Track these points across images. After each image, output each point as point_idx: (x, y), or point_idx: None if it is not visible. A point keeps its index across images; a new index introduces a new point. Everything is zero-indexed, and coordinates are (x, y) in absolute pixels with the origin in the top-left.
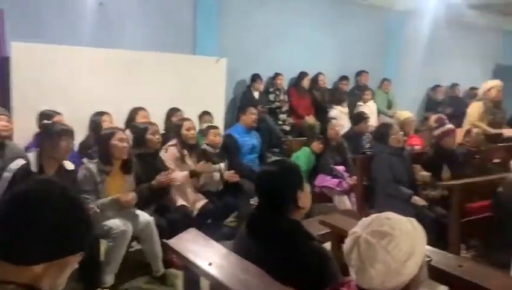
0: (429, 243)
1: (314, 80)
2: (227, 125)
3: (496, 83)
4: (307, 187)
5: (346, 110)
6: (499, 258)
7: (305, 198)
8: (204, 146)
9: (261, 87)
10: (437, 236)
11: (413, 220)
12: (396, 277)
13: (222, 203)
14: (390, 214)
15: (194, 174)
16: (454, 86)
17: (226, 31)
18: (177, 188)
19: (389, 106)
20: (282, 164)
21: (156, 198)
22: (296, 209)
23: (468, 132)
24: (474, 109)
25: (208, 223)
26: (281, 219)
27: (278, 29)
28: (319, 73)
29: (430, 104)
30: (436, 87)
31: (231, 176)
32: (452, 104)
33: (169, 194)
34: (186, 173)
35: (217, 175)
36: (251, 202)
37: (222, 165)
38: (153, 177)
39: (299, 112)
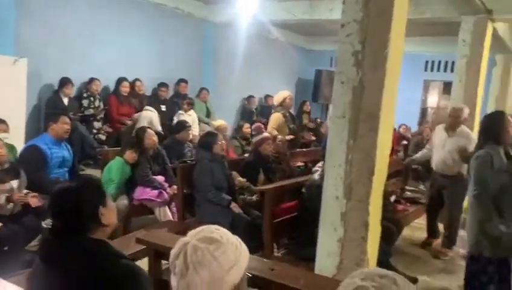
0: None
1: (132, 86)
2: (29, 135)
3: (287, 93)
4: (110, 202)
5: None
6: (306, 253)
7: (109, 214)
8: None
9: (71, 92)
10: (253, 237)
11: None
12: (220, 285)
13: (21, 226)
14: (218, 226)
15: None
16: (266, 97)
17: (27, 29)
18: None
19: (208, 114)
20: (79, 180)
21: None
22: (100, 228)
23: (274, 139)
24: (273, 119)
25: (4, 250)
26: (82, 240)
27: (89, 32)
28: (136, 79)
29: (245, 113)
30: (250, 98)
31: (22, 197)
32: (264, 113)
33: None
34: None
35: (1, 197)
36: (43, 225)
37: (14, 183)
38: None
39: (118, 119)
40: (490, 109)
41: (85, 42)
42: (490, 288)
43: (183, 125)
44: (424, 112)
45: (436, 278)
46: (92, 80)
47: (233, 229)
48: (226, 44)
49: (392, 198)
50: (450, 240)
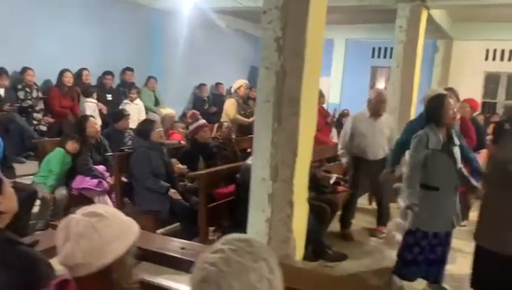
0: (184, 230)
1: (79, 76)
2: None
3: (243, 82)
4: (8, 189)
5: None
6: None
7: (6, 201)
8: None
9: (6, 83)
10: (193, 223)
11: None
12: (100, 254)
13: None
14: (110, 207)
15: None
16: (217, 84)
17: None
18: None
19: (157, 103)
20: None
21: None
22: None
23: (220, 126)
24: (229, 105)
25: None
26: None
27: (28, 21)
28: (83, 68)
29: (197, 102)
30: (202, 86)
31: None
32: (216, 102)
33: None
34: None
35: None
36: None
37: None
38: None
39: (60, 111)
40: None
41: (23, 32)
42: (419, 258)
43: (121, 114)
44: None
45: (370, 256)
46: (24, 70)
47: (172, 216)
48: (175, 32)
49: (332, 180)
50: (383, 218)
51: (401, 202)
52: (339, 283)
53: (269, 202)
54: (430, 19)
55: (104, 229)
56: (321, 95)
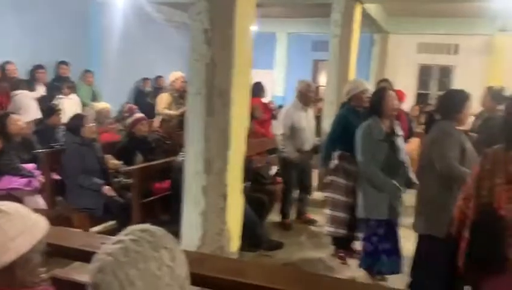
0: (120, 227)
1: (2, 69)
2: None
3: (179, 74)
4: None
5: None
6: (173, 229)
7: None
8: None
9: None
10: (127, 219)
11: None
12: (4, 251)
13: None
14: (15, 203)
15: None
16: (158, 78)
17: None
18: None
19: (95, 98)
20: None
21: None
22: None
23: (163, 120)
24: (162, 99)
25: None
26: None
27: None
28: (7, 62)
29: (138, 96)
30: (145, 80)
31: None
32: (156, 95)
33: None
34: None
35: None
36: None
37: None
38: None
39: None
40: (372, 87)
41: None
42: (380, 247)
43: (52, 110)
44: (315, 90)
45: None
46: None
47: (107, 213)
48: (112, 24)
49: (272, 171)
50: (305, 206)
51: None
52: (272, 273)
53: (203, 195)
54: (365, 14)
55: (6, 224)
56: (262, 89)
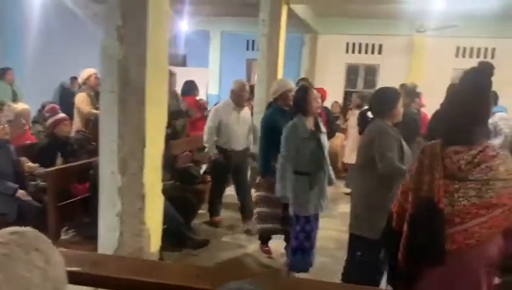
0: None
1: None
2: None
3: (92, 71)
4: None
5: None
6: (91, 232)
7: None
8: None
9: None
10: (41, 223)
11: None
12: None
13: None
14: None
15: None
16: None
17: None
18: None
19: (15, 97)
20: None
21: None
22: None
23: (88, 120)
24: (81, 99)
25: None
26: None
27: None
28: None
29: (65, 95)
30: (73, 79)
31: None
32: None
33: None
34: None
35: None
36: None
37: None
38: None
39: None
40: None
41: None
42: (306, 244)
43: None
44: (251, 89)
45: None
46: None
47: (21, 218)
48: (38, 21)
49: (202, 169)
50: (247, 212)
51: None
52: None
53: (119, 195)
54: (293, 14)
55: None
56: (195, 87)
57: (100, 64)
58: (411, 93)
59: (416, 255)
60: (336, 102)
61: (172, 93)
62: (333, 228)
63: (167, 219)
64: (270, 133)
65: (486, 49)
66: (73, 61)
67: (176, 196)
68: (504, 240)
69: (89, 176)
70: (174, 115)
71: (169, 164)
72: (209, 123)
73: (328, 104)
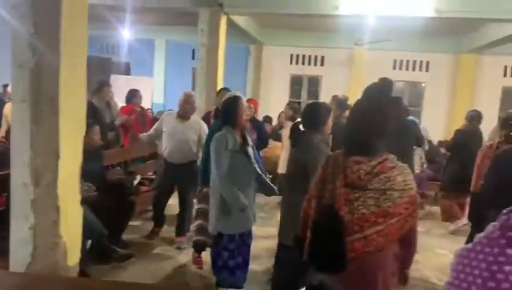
0: None
1: None
2: None
3: None
4: None
5: None
6: (3, 247)
7: None
8: None
9: None
10: None
11: None
12: None
13: None
14: None
15: None
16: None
17: None
18: None
19: None
20: None
21: None
22: None
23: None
24: (9, 108)
25: None
26: None
27: None
28: None
29: None
30: (5, 87)
31: None
32: None
33: None
34: None
35: None
36: None
37: None
38: None
39: None
40: (249, 95)
41: None
42: (230, 263)
43: None
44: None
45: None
46: None
47: None
48: None
49: (136, 180)
50: (183, 228)
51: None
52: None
53: (32, 208)
54: (235, 24)
55: None
56: (136, 96)
57: (11, 72)
58: (342, 105)
59: (318, 261)
60: (283, 112)
61: (106, 104)
62: (271, 236)
63: (89, 231)
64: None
65: (421, 62)
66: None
67: (103, 207)
68: (400, 249)
69: (6, 187)
70: (106, 127)
71: (100, 175)
72: (151, 129)
73: (274, 114)
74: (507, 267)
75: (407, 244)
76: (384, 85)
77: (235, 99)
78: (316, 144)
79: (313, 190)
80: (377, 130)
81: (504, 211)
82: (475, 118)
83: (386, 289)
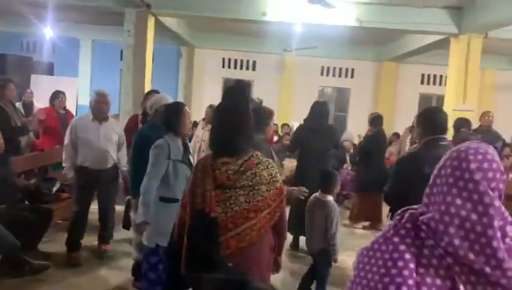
0: None
1: None
2: None
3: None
4: None
5: None
6: None
7: None
8: None
9: None
10: None
11: None
12: None
13: None
14: None
15: None
16: None
17: None
18: None
19: None
20: None
21: None
22: None
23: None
24: None
25: None
26: None
27: None
28: None
29: None
30: None
31: None
32: None
33: None
34: None
35: None
36: None
37: None
38: None
39: None
40: (181, 98)
41: None
42: (151, 275)
43: None
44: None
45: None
46: None
47: None
48: None
49: (55, 187)
50: (108, 236)
51: (134, 217)
52: None
53: None
54: (163, 26)
55: None
56: (56, 97)
57: None
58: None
59: (194, 263)
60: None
61: (12, 106)
62: None
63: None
64: (143, 150)
65: (347, 69)
66: None
67: (14, 217)
68: (277, 238)
69: None
70: (16, 130)
71: (9, 182)
72: (65, 141)
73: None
74: (400, 263)
75: (278, 233)
76: (239, 87)
77: (179, 106)
78: (260, 144)
79: (187, 196)
80: (240, 130)
81: (398, 211)
82: (377, 120)
83: (263, 280)
